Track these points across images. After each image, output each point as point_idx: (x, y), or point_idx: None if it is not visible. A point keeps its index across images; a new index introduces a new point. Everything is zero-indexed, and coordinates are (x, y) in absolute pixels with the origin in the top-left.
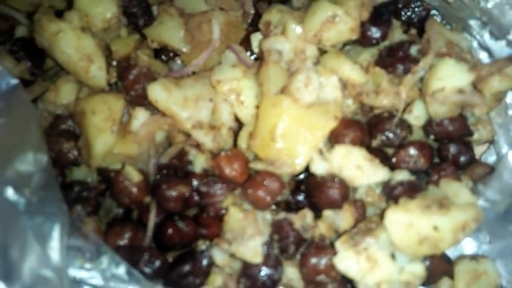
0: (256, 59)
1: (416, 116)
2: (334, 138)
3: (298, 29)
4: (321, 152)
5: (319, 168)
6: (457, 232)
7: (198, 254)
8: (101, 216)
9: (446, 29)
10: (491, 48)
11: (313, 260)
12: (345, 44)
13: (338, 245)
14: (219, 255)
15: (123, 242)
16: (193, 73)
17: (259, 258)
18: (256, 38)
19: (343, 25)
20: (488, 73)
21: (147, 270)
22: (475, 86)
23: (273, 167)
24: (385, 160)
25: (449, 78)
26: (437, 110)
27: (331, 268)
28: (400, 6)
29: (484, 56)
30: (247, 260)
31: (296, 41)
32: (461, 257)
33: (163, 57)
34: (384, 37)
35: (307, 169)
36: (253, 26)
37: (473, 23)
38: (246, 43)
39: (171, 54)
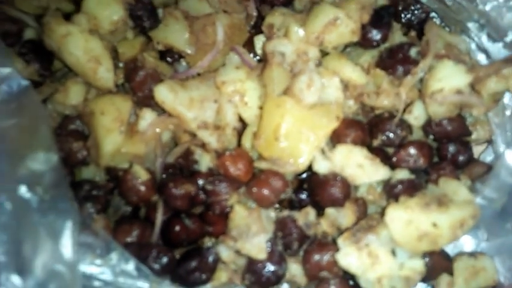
0: (259, 60)
1: (416, 116)
2: (336, 138)
3: (301, 32)
4: (323, 152)
5: (322, 167)
6: (456, 229)
7: (204, 251)
8: (110, 214)
9: (445, 31)
10: (489, 50)
11: (316, 257)
12: (346, 46)
13: (340, 241)
14: (224, 252)
15: (131, 239)
16: (198, 74)
17: (264, 254)
18: (259, 40)
19: (345, 27)
20: (486, 74)
21: (155, 266)
22: (473, 87)
23: (277, 166)
24: (386, 159)
25: (448, 79)
26: (436, 110)
27: (334, 264)
28: (400, 8)
29: (482, 58)
30: (252, 256)
31: (298, 43)
32: (460, 254)
33: (168, 59)
34: (384, 39)
35: (310, 168)
36: (257, 29)
37: (471, 25)
38: (249, 45)
39: (176, 56)
